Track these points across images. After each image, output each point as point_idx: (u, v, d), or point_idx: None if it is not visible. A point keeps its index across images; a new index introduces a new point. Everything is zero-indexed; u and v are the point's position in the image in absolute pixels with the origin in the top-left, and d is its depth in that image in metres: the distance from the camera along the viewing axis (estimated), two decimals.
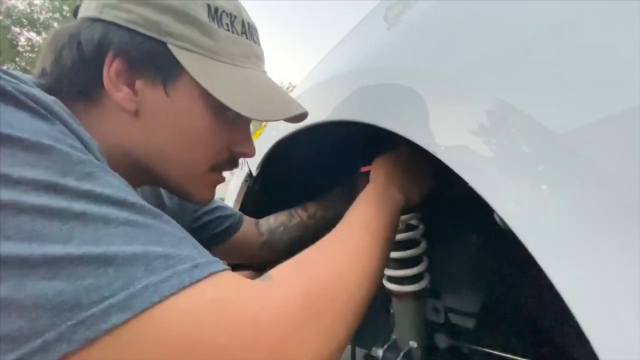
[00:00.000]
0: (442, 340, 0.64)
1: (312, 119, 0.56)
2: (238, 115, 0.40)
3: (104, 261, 0.23)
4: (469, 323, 0.69)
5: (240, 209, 0.80)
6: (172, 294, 0.24)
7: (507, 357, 0.59)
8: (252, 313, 0.26)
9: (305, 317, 0.27)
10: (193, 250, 0.27)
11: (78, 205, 0.24)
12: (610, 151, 0.23)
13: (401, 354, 0.60)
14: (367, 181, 0.52)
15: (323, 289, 0.30)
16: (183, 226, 0.50)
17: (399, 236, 0.59)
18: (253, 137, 0.79)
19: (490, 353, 0.61)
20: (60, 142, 0.25)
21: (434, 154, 0.32)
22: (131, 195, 0.28)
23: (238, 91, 0.39)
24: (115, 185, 0.27)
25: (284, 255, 0.67)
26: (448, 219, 0.69)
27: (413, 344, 0.61)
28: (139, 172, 0.41)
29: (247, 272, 0.79)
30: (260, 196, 0.79)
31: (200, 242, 0.55)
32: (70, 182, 0.24)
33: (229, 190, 0.87)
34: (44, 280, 0.21)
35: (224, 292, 0.26)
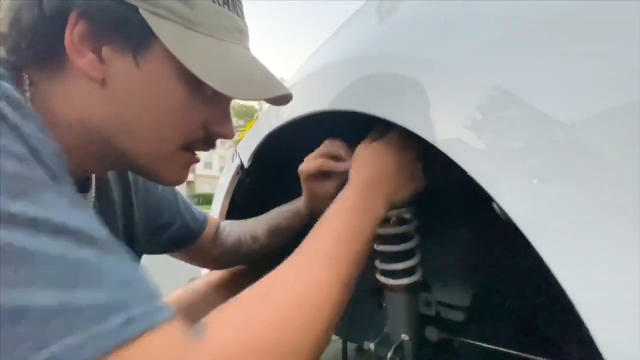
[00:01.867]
0: (432, 334, 0.64)
1: (306, 109, 0.55)
2: (215, 92, 0.37)
3: (16, 315, 0.19)
4: (460, 316, 0.69)
5: (231, 203, 0.78)
6: (96, 355, 0.21)
7: (496, 350, 0.60)
8: None
9: None
10: (133, 293, 0.24)
11: (2, 234, 0.20)
12: (617, 143, 0.23)
13: (393, 348, 0.60)
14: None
15: (263, 346, 0.27)
16: (146, 226, 0.50)
17: (393, 230, 0.59)
18: (245, 130, 0.77)
19: (480, 346, 0.61)
20: None
21: (432, 143, 0.32)
22: (76, 213, 0.24)
23: (216, 66, 0.36)
24: (55, 204, 0.23)
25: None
26: (439, 212, 0.69)
27: (405, 337, 0.61)
28: (107, 153, 0.38)
29: (238, 267, 0.77)
30: (251, 190, 0.78)
31: (158, 247, 0.59)
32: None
33: (219, 184, 0.85)
34: None
35: (153, 355, 0.23)
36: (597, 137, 0.24)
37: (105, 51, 0.34)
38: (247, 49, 0.42)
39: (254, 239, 0.69)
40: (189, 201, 0.68)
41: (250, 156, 0.72)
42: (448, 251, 0.72)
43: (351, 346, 0.72)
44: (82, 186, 0.42)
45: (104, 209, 0.47)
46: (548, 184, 0.25)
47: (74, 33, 0.33)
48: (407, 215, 0.61)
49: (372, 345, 0.62)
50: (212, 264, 0.72)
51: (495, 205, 0.28)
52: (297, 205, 0.66)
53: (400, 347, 0.61)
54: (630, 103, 0.23)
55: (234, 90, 0.36)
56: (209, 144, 0.43)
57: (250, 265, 0.75)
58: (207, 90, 0.38)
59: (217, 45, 0.37)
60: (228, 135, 0.43)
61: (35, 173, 0.24)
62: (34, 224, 0.22)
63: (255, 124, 0.73)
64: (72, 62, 0.34)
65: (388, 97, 0.39)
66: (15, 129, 0.24)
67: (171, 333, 0.25)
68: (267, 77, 0.40)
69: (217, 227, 0.71)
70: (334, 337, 1.39)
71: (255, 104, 20.59)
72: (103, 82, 0.35)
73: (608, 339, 0.21)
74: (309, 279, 0.32)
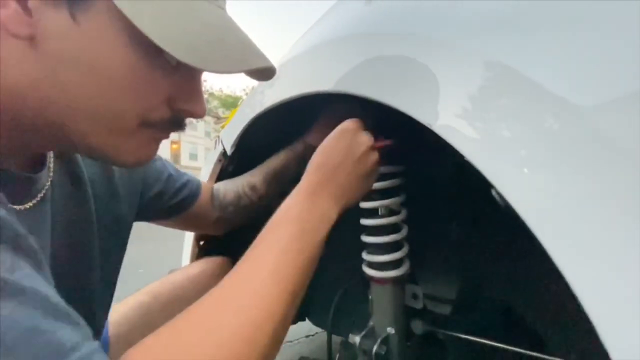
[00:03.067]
0: (418, 327, 0.63)
1: (291, 92, 0.52)
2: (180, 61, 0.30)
3: None
4: (446, 309, 0.69)
5: None
6: None
7: (481, 342, 0.59)
8: None
9: None
10: (40, 349, 0.20)
11: None
12: (627, 130, 0.21)
13: (378, 341, 0.59)
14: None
15: None
16: (134, 199, 0.45)
17: (380, 221, 0.58)
18: (228, 117, 0.73)
19: (466, 339, 0.61)
20: None
21: (428, 126, 0.30)
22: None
23: (175, 26, 0.29)
24: None
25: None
26: (428, 204, 0.68)
27: (390, 330, 0.60)
28: (52, 131, 0.32)
29: (219, 259, 0.75)
30: (234, 177, 0.75)
31: (153, 216, 0.54)
32: None
33: (202, 174, 0.82)
34: None
35: None
36: (604, 123, 0.22)
37: (33, 1, 0.28)
38: (222, 8, 0.35)
39: (253, 188, 0.68)
40: (178, 168, 0.66)
41: (233, 143, 0.69)
42: (435, 243, 0.71)
43: (336, 339, 0.71)
44: (37, 164, 0.37)
45: (64, 190, 0.42)
46: (549, 171, 0.24)
47: None
48: (395, 207, 0.59)
49: (357, 339, 0.60)
50: (213, 227, 0.70)
51: (494, 192, 0.26)
52: (291, 146, 0.68)
53: (385, 341, 0.60)
54: None
55: (197, 57, 0.29)
56: (176, 125, 0.36)
57: (231, 257, 0.73)
58: (171, 58, 0.31)
59: (180, 1, 0.31)
60: (198, 114, 0.36)
61: None
62: None
63: (239, 111, 0.70)
64: None
65: (378, 77, 0.37)
66: None
67: None
68: (243, 44, 0.33)
69: (211, 191, 0.69)
70: (319, 330, 1.39)
71: (242, 92, 20.25)
72: (32, 40, 0.28)
73: (612, 330, 0.20)
74: (262, 302, 0.29)
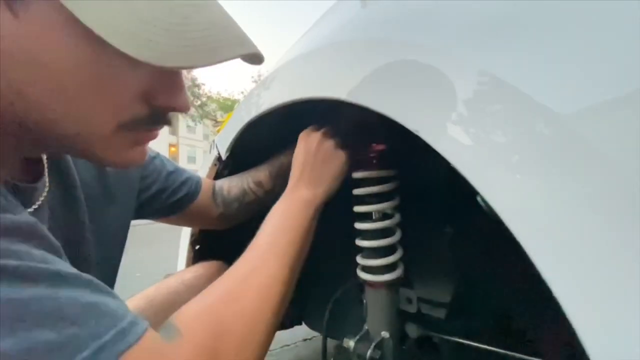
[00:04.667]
0: (413, 330, 0.63)
1: (286, 97, 0.52)
2: None
3: None
4: (440, 313, 0.69)
5: None
6: None
7: (476, 347, 0.59)
8: None
9: None
10: (99, 318, 0.23)
11: None
12: (609, 136, 0.22)
13: (373, 345, 0.59)
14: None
15: (235, 342, 0.31)
16: (130, 199, 0.45)
17: (374, 225, 0.58)
18: (224, 120, 0.73)
19: (461, 342, 0.61)
20: None
21: (415, 132, 0.30)
22: (23, 246, 0.22)
23: (124, 12, 0.25)
24: None
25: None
26: (421, 208, 0.68)
27: (385, 334, 0.60)
28: (30, 134, 0.29)
29: (215, 263, 0.74)
30: None
31: (153, 214, 0.55)
32: None
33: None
34: None
35: None
36: (588, 129, 0.23)
37: None
38: None
39: (259, 184, 0.68)
40: (179, 165, 0.66)
41: (228, 147, 0.69)
42: (430, 247, 0.71)
43: (331, 343, 0.71)
44: (34, 172, 0.37)
45: (56, 194, 0.41)
46: (534, 178, 0.24)
47: None
48: (389, 211, 0.59)
49: (352, 343, 0.60)
50: (216, 223, 0.70)
51: (479, 199, 0.26)
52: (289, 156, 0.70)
53: (380, 345, 0.60)
54: (626, 95, 0.22)
55: (152, 52, 0.25)
56: (159, 121, 0.33)
57: (226, 261, 0.73)
58: None
59: None
60: (180, 108, 0.33)
61: None
62: None
63: (234, 115, 0.70)
64: None
65: (368, 83, 0.37)
66: None
67: (145, 345, 0.25)
68: (213, 26, 0.28)
69: (213, 187, 0.69)
70: (315, 334, 1.38)
71: (240, 96, 20.25)
72: None
73: (593, 337, 0.20)
74: (265, 270, 0.38)
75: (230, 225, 0.71)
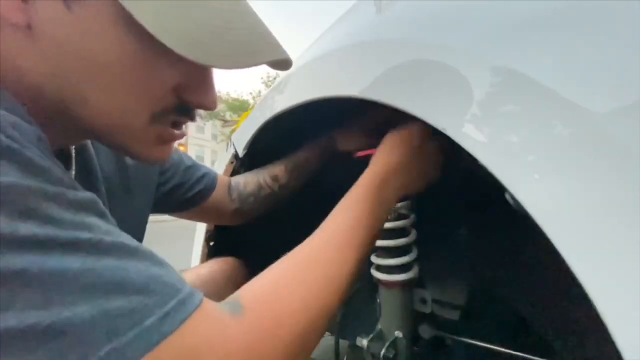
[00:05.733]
0: (426, 331, 0.63)
1: (303, 97, 0.53)
2: None
3: (56, 332, 0.20)
4: (454, 315, 0.69)
5: None
6: (140, 355, 0.22)
7: (489, 348, 0.59)
8: (225, 358, 0.25)
9: (273, 352, 0.28)
10: (162, 287, 0.24)
11: (16, 260, 0.20)
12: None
13: (386, 344, 0.59)
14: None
15: (294, 325, 0.30)
16: (148, 193, 0.46)
17: (389, 224, 0.58)
18: (239, 120, 0.73)
19: (474, 344, 0.61)
20: None
21: (442, 130, 0.30)
22: (89, 217, 0.24)
23: (176, 14, 0.27)
24: (64, 216, 0.22)
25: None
26: (437, 209, 0.68)
27: (398, 334, 0.60)
28: (63, 119, 0.31)
29: (229, 259, 0.75)
30: None
31: (170, 208, 0.54)
32: (1, 225, 0.20)
33: None
34: None
35: (196, 342, 0.25)
36: (620, 128, 0.23)
37: None
38: None
39: (274, 178, 0.69)
40: (196, 161, 0.67)
41: (245, 145, 0.70)
42: (445, 248, 0.71)
43: (344, 343, 0.71)
44: (64, 164, 0.37)
45: (83, 187, 0.43)
46: (563, 173, 0.24)
47: None
48: (404, 210, 0.60)
49: (365, 342, 0.61)
50: (232, 218, 0.70)
51: (507, 196, 0.26)
52: (315, 141, 0.69)
53: (393, 344, 0.60)
54: None
55: (200, 52, 0.27)
56: (184, 114, 0.35)
57: (240, 257, 0.73)
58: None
59: None
60: (208, 106, 0.34)
61: (21, 183, 0.22)
62: (44, 245, 0.21)
63: (251, 114, 0.71)
64: None
65: (391, 82, 0.37)
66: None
67: (207, 315, 0.26)
68: (254, 34, 0.30)
69: (229, 183, 0.70)
70: (326, 334, 1.38)
71: (250, 97, 20.36)
72: (29, 29, 0.27)
73: (627, 337, 0.20)
74: (333, 257, 0.35)
75: (246, 220, 0.72)
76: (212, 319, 0.26)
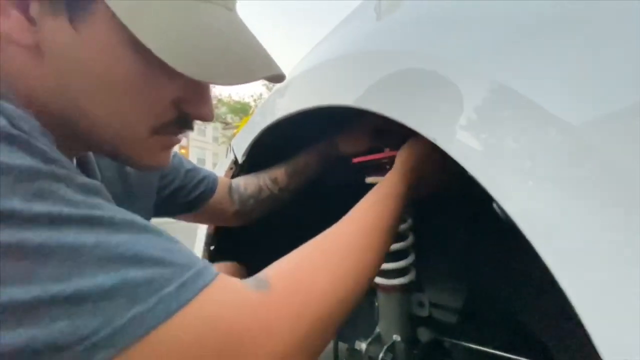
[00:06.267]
0: (424, 334, 0.64)
1: (302, 105, 0.54)
2: None
3: (77, 300, 0.21)
4: (452, 318, 0.69)
5: None
6: (159, 323, 0.22)
7: (487, 352, 0.60)
8: (249, 323, 0.26)
9: (297, 340, 0.27)
10: (177, 259, 0.25)
11: (33, 236, 0.21)
12: (623, 144, 0.22)
13: (384, 348, 0.60)
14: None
15: (320, 307, 0.29)
16: (149, 197, 0.47)
17: None
18: (240, 125, 0.75)
19: (472, 347, 0.61)
20: None
21: (432, 140, 0.31)
22: (98, 199, 0.25)
23: (176, 35, 0.28)
24: (76, 197, 0.23)
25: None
26: (435, 213, 0.69)
27: (397, 337, 0.61)
28: (68, 133, 0.32)
29: (230, 264, 0.76)
30: None
31: (172, 211, 0.55)
32: (17, 204, 0.21)
33: None
34: (5, 330, 0.19)
35: (217, 307, 0.25)
36: (601, 137, 0.23)
37: (34, 9, 0.28)
38: (230, 9, 0.33)
39: (274, 181, 0.70)
40: (196, 164, 0.68)
41: (245, 151, 0.71)
42: (442, 252, 0.71)
43: (343, 346, 0.71)
44: None
45: None
46: (550, 185, 0.25)
47: None
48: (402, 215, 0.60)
49: (363, 345, 0.61)
50: (233, 220, 0.72)
51: (495, 206, 0.27)
52: (316, 146, 0.71)
53: (392, 348, 0.60)
54: (637, 103, 0.23)
55: (200, 70, 0.29)
56: (184, 125, 0.36)
57: (241, 261, 0.74)
58: None
59: (183, 5, 0.29)
60: (205, 117, 0.36)
61: (40, 167, 0.23)
62: (59, 222, 0.22)
63: (250, 119, 0.72)
64: None
65: (385, 92, 0.38)
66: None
67: (225, 286, 0.26)
68: (249, 52, 0.32)
69: (229, 185, 0.71)
70: None
71: (250, 100, 20.40)
72: (37, 49, 0.28)
73: (607, 341, 0.21)
74: (363, 249, 0.36)
75: (246, 222, 0.73)
76: (232, 290, 0.27)
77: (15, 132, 0.23)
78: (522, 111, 0.27)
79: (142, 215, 0.56)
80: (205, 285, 0.25)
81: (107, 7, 0.27)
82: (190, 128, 0.37)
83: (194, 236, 0.84)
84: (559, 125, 0.25)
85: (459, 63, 0.32)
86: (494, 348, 0.59)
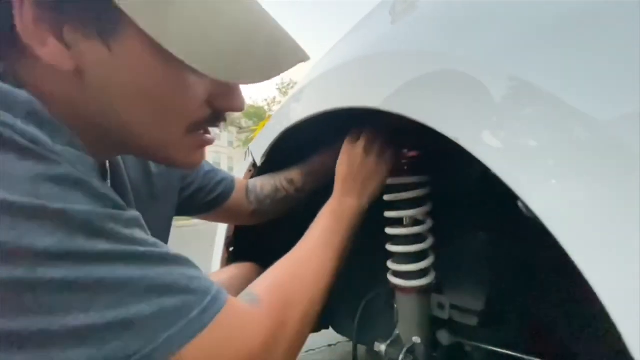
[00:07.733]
0: (444, 337, 0.63)
1: (320, 107, 0.55)
2: None
3: (127, 324, 0.26)
4: (472, 320, 0.68)
5: None
6: (185, 344, 0.28)
7: (509, 355, 0.58)
8: (250, 341, 0.32)
9: (281, 339, 0.35)
10: (198, 286, 0.30)
11: (94, 271, 0.25)
12: None
13: (404, 350, 0.60)
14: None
15: (298, 313, 0.38)
16: (172, 197, 0.54)
17: (405, 231, 0.58)
18: (257, 129, 0.77)
19: (493, 350, 0.60)
20: (52, 199, 0.24)
21: (455, 140, 0.31)
22: (137, 231, 0.29)
23: (200, 38, 0.29)
24: (122, 232, 0.28)
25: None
26: (454, 214, 0.68)
27: (416, 339, 0.60)
28: (110, 142, 0.35)
29: (248, 264, 0.77)
30: None
31: (192, 211, 0.63)
32: (81, 243, 0.25)
33: None
34: (70, 349, 0.24)
35: (228, 329, 0.31)
36: (626, 132, 0.23)
37: (68, 33, 0.28)
38: None
39: (290, 182, 0.72)
40: (214, 166, 0.71)
41: (263, 154, 0.72)
42: (462, 253, 0.70)
43: (362, 348, 0.71)
44: (102, 176, 0.41)
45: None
46: (576, 182, 0.25)
47: (24, 17, 0.27)
48: (420, 217, 0.60)
49: (383, 347, 0.61)
50: (250, 219, 0.75)
51: (520, 204, 0.27)
52: (331, 147, 0.72)
53: (411, 350, 0.60)
54: None
55: (226, 71, 0.30)
56: (219, 119, 0.38)
57: (260, 262, 0.75)
58: None
59: (205, 6, 0.29)
60: (237, 108, 0.38)
61: (94, 210, 0.27)
62: (113, 258, 0.26)
63: (268, 123, 0.74)
64: (33, 54, 0.28)
65: (404, 93, 0.39)
66: (50, 160, 0.25)
67: (233, 308, 0.32)
68: (272, 42, 0.32)
69: (246, 185, 0.74)
70: (341, 339, 1.38)
71: (265, 104, 20.61)
72: (78, 71, 0.30)
73: (639, 340, 0.21)
74: (319, 261, 0.45)
75: (263, 221, 0.75)
76: (239, 311, 0.33)
77: (77, 175, 0.26)
78: (545, 108, 0.27)
79: (165, 216, 0.59)
80: (220, 310, 0.30)
81: (133, 22, 0.28)
82: (224, 120, 0.39)
83: (207, 237, 0.87)
84: (584, 121, 0.25)
85: (480, 62, 0.32)
86: (517, 351, 0.58)
